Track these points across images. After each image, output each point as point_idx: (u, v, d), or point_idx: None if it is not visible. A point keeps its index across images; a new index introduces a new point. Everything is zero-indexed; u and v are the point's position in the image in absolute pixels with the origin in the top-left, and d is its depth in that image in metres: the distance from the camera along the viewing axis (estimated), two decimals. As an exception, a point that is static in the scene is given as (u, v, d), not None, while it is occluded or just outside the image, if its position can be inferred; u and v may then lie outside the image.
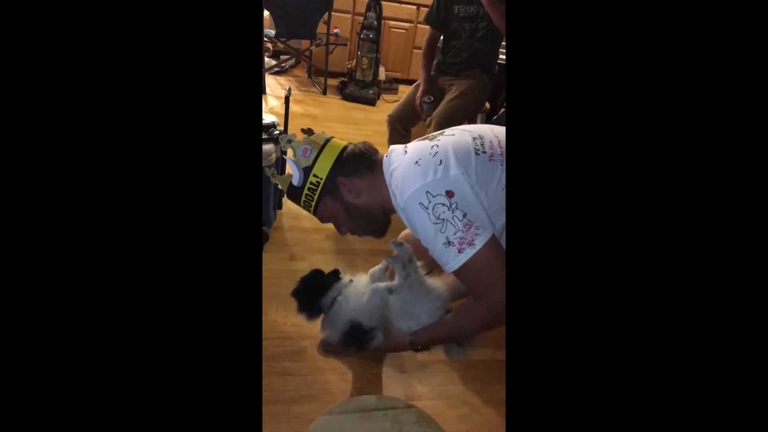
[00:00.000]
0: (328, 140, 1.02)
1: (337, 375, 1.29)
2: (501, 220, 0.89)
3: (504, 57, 2.27)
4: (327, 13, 3.31)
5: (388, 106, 3.37)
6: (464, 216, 0.84)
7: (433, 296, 1.00)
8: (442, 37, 2.17)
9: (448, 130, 1.01)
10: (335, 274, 1.09)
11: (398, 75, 3.97)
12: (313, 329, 1.40)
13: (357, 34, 3.51)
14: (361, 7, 3.51)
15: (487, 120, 2.44)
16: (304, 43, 3.62)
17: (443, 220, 0.84)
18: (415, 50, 3.87)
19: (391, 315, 1.01)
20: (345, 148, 1.02)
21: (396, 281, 1.00)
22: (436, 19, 2.12)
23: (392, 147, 1.03)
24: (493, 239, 0.85)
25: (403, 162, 0.94)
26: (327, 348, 1.35)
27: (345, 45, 3.76)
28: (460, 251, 0.84)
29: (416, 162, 0.91)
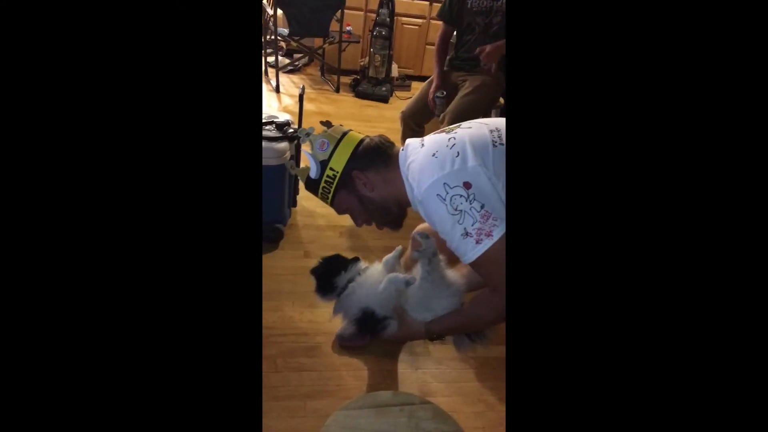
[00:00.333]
0: (345, 134, 1.04)
1: (353, 371, 1.30)
2: None
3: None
4: (340, 11, 3.31)
5: (401, 102, 3.36)
6: (482, 207, 0.84)
7: (452, 291, 1.00)
8: (455, 33, 2.16)
9: (465, 123, 1.01)
10: (355, 260, 1.11)
11: (411, 71, 3.95)
12: (329, 326, 1.41)
13: (369, 31, 3.50)
14: (374, 4, 3.50)
15: (502, 116, 2.42)
16: (317, 42, 3.63)
17: (461, 211, 0.85)
18: (427, 46, 3.85)
19: (407, 306, 1.02)
20: (361, 141, 1.03)
21: (417, 274, 1.00)
22: (449, 14, 2.10)
23: (409, 140, 1.03)
24: None
25: (420, 155, 0.94)
26: (342, 344, 1.35)
27: (358, 42, 3.76)
28: (478, 242, 0.84)
29: (433, 154, 0.91)
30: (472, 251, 0.86)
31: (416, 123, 2.16)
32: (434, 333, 1.04)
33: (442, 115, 2.03)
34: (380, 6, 3.35)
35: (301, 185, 1.95)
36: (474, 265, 0.88)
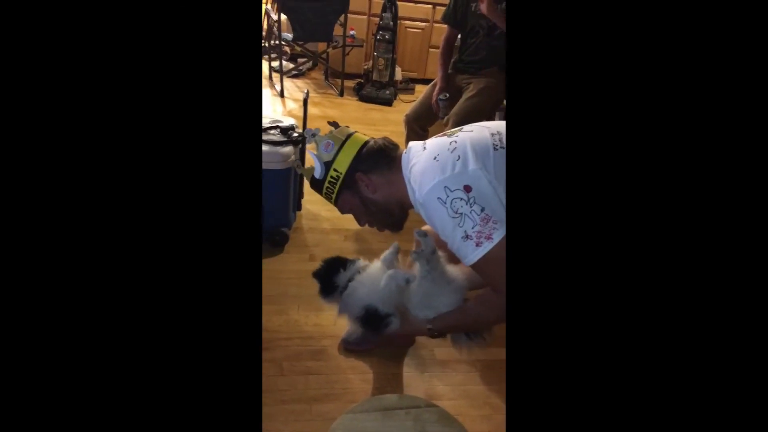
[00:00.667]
0: (350, 135, 1.05)
1: (359, 374, 1.30)
2: None
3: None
4: (343, 15, 3.33)
5: (404, 106, 3.36)
6: (482, 210, 0.85)
7: (453, 288, 1.00)
8: (459, 36, 2.16)
9: (467, 127, 1.02)
10: (354, 259, 1.13)
11: (415, 75, 3.96)
12: (335, 329, 1.42)
13: (373, 35, 3.51)
14: (377, 8, 3.52)
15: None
16: (321, 46, 3.65)
17: (461, 214, 0.85)
18: (431, 50, 3.86)
19: (409, 304, 1.02)
20: (366, 143, 1.04)
21: (416, 271, 1.01)
22: (453, 17, 2.11)
23: (411, 143, 1.04)
24: None
25: (422, 158, 0.95)
26: (348, 347, 1.36)
27: (361, 46, 3.78)
28: (478, 245, 0.85)
29: (435, 158, 0.92)
30: (472, 254, 0.86)
31: (420, 126, 2.16)
32: (436, 330, 1.04)
33: (446, 117, 2.04)
34: (383, 10, 3.37)
35: (307, 187, 1.97)
36: (475, 267, 0.89)
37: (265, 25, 3.61)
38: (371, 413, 0.85)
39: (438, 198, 0.87)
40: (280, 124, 1.71)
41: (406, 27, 3.81)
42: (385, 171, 1.02)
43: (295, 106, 3.19)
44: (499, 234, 0.84)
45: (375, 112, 3.37)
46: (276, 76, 3.40)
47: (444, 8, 2.19)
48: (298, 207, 1.95)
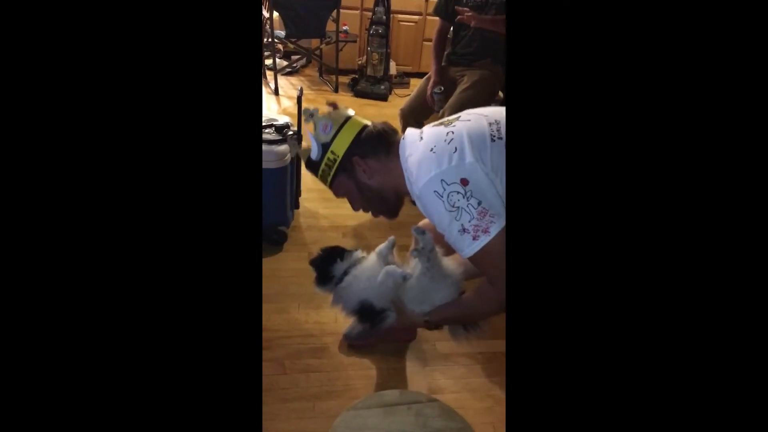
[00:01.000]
0: (348, 118, 1.03)
1: (360, 371, 1.30)
2: None
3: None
4: (336, 10, 3.31)
5: (400, 100, 3.35)
6: (479, 204, 0.84)
7: (449, 282, 1.01)
8: (451, 29, 2.15)
9: (465, 114, 1.00)
10: (352, 252, 1.11)
11: (409, 69, 3.94)
12: (335, 326, 1.42)
13: (366, 30, 3.49)
14: (370, 3, 3.50)
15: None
16: (314, 42, 3.63)
17: (458, 208, 0.85)
18: (425, 43, 3.84)
19: (405, 298, 1.03)
20: (365, 127, 1.02)
21: (412, 267, 1.01)
22: (445, 9, 2.09)
23: (408, 132, 1.02)
24: None
25: (419, 149, 0.94)
26: (350, 342, 1.36)
27: (355, 42, 3.76)
28: (475, 238, 0.85)
29: (431, 149, 0.91)
30: (469, 247, 0.86)
31: (416, 120, 2.16)
32: (433, 323, 1.05)
33: (441, 111, 2.03)
34: (376, 4, 3.34)
35: (304, 185, 1.96)
36: (472, 259, 0.89)
37: (257, 23, 3.59)
38: (373, 409, 0.86)
39: (435, 191, 0.87)
40: (275, 123, 1.70)
41: (399, 21, 3.79)
42: (382, 157, 1.01)
43: (290, 104, 3.18)
44: (496, 227, 0.84)
45: (370, 107, 3.36)
46: (270, 74, 3.39)
47: (436, 1, 2.18)
48: (296, 205, 1.95)
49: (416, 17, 3.82)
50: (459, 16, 1.95)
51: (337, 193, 1.08)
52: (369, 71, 3.50)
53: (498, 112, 0.99)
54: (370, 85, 3.48)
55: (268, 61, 3.47)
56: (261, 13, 3.23)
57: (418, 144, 0.96)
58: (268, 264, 1.66)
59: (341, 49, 3.56)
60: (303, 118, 1.07)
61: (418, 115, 2.15)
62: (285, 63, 3.77)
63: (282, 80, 3.56)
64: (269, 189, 1.60)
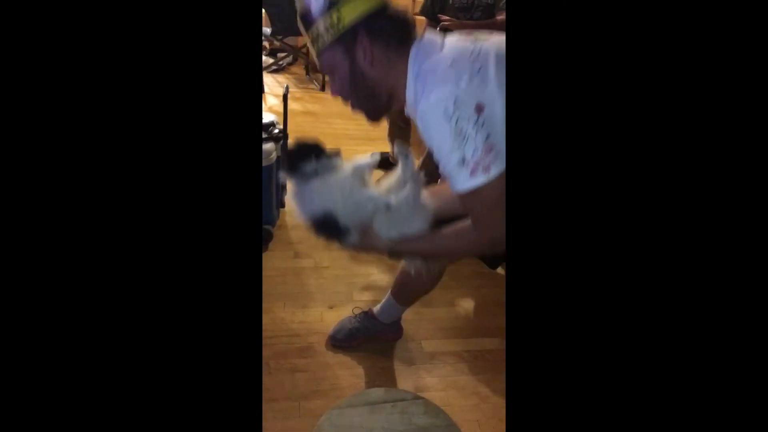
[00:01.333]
0: None
1: (346, 370, 1.30)
2: None
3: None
4: (322, 8, 3.29)
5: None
6: (487, 137, 0.76)
7: (424, 215, 0.93)
8: (438, 29, 2.16)
9: (496, 36, 0.87)
10: (336, 153, 0.94)
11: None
12: (321, 325, 1.41)
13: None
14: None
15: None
16: (300, 40, 3.61)
17: (465, 135, 0.76)
18: (412, 42, 3.85)
19: (375, 222, 0.93)
20: (385, 5, 0.85)
21: (390, 194, 0.92)
22: (431, 10, 2.10)
23: (427, 34, 0.90)
24: None
25: (437, 58, 0.82)
26: (335, 344, 1.35)
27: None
28: (473, 173, 0.77)
29: (451, 63, 0.80)
30: (464, 183, 0.78)
31: (402, 119, 2.16)
32: (397, 252, 0.97)
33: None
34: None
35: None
36: (462, 197, 0.81)
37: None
38: (358, 408, 0.85)
39: (444, 110, 0.76)
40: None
41: (386, 20, 3.79)
42: (392, 48, 0.85)
43: (276, 102, 3.16)
44: (496, 167, 0.76)
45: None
46: (255, 72, 3.35)
47: (423, 1, 2.19)
48: (281, 204, 1.93)
49: (403, 17, 3.82)
50: (441, 23, 1.96)
51: (322, 67, 0.91)
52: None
53: None
54: (357, 84, 3.47)
55: (254, 59, 3.44)
56: (261, 11, 3.20)
57: (437, 54, 0.82)
58: (254, 263, 1.64)
59: (328, 48, 3.54)
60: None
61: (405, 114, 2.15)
62: (271, 60, 3.74)
63: (268, 78, 3.53)
64: (254, 187, 1.59)
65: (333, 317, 1.44)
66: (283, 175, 0.95)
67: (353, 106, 0.94)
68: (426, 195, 0.96)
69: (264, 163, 1.62)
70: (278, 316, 1.45)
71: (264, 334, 1.37)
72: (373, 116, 0.96)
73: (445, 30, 1.96)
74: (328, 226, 0.91)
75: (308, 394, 1.21)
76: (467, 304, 1.61)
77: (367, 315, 1.38)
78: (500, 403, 1.25)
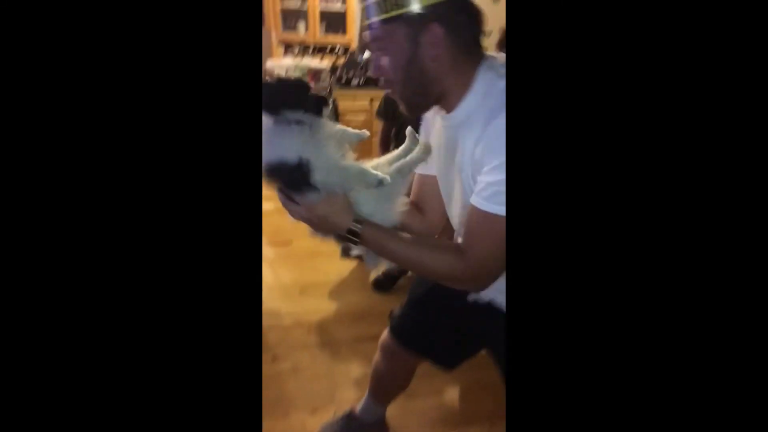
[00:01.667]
0: None
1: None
2: None
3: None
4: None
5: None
6: None
7: (395, 210, 0.84)
8: (393, 131, 2.28)
9: None
10: (326, 103, 0.79)
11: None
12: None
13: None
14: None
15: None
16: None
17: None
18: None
19: (353, 193, 0.80)
20: (470, 1, 0.72)
21: (376, 166, 0.82)
22: (385, 113, 2.21)
23: (499, 54, 0.78)
24: None
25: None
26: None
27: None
28: (495, 199, 0.68)
29: None
30: (489, 202, 0.69)
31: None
32: (357, 237, 0.79)
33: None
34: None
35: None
36: (476, 212, 0.71)
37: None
38: None
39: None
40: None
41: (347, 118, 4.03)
42: (463, 51, 0.72)
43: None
44: None
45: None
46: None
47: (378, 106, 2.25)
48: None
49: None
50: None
51: (373, 40, 0.74)
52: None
53: None
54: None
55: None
56: (261, 10, 3.17)
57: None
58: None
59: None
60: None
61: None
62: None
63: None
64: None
65: (315, 423, 1.37)
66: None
67: (396, 93, 0.79)
68: (404, 200, 0.86)
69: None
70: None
71: None
72: (415, 111, 0.83)
73: None
74: (295, 175, 0.77)
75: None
76: (453, 391, 1.58)
77: (350, 416, 1.32)
78: (486, 397, 1.16)
